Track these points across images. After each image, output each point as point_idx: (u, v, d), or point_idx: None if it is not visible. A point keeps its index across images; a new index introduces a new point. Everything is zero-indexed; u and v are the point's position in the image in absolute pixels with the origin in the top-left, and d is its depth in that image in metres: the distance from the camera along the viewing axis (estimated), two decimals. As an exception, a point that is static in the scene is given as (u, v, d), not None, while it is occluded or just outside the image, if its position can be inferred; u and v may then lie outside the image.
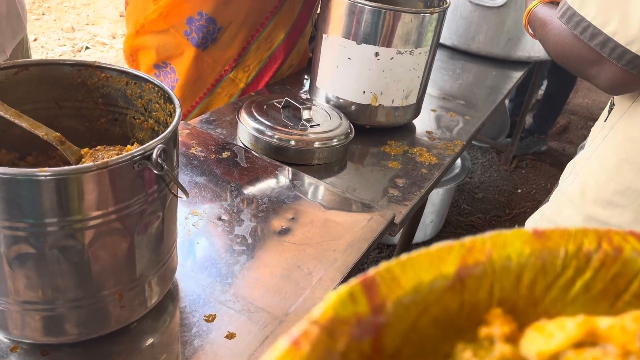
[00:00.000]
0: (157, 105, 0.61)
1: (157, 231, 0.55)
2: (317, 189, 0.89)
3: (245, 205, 0.81)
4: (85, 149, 0.53)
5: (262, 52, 1.22)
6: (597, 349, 0.20)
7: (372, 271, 0.21)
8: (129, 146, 0.56)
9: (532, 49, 1.71)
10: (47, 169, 0.44)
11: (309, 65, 1.39)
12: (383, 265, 0.21)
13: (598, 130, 0.85)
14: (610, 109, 0.83)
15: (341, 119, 1.02)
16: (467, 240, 0.23)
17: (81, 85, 0.62)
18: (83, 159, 0.54)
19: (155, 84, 0.59)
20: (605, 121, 0.83)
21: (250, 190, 0.85)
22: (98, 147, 0.55)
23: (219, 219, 0.77)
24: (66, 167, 0.45)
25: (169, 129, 0.51)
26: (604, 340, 0.20)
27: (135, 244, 0.52)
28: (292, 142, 0.94)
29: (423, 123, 1.21)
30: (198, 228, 0.75)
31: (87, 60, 0.61)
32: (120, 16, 4.02)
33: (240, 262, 0.70)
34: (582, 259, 0.23)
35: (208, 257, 0.70)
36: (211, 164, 0.89)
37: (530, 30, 0.92)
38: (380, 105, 1.07)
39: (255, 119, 0.96)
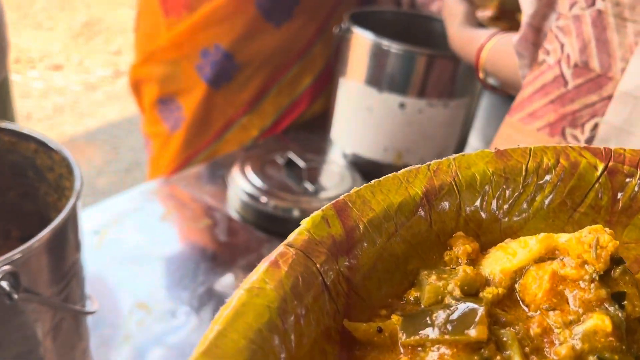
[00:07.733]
0: (69, 183, 0.45)
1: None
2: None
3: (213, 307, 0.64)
4: None
5: (282, 97, 1.06)
6: (556, 262, 0.21)
7: (343, 196, 0.22)
8: None
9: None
10: None
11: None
12: (354, 190, 0.22)
13: None
14: None
15: (354, 182, 0.84)
16: (433, 162, 0.24)
17: (-19, 150, 0.47)
18: None
19: (64, 156, 0.44)
20: None
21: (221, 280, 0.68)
22: None
23: (173, 316, 0.61)
24: None
25: (42, 233, 0.36)
26: (562, 253, 0.21)
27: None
28: (294, 211, 0.77)
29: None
30: (144, 327, 0.59)
31: (-17, 120, 0.47)
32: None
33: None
34: (542, 175, 0.24)
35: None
36: (185, 234, 0.74)
37: None
38: (405, 164, 0.88)
39: (247, 180, 0.80)
